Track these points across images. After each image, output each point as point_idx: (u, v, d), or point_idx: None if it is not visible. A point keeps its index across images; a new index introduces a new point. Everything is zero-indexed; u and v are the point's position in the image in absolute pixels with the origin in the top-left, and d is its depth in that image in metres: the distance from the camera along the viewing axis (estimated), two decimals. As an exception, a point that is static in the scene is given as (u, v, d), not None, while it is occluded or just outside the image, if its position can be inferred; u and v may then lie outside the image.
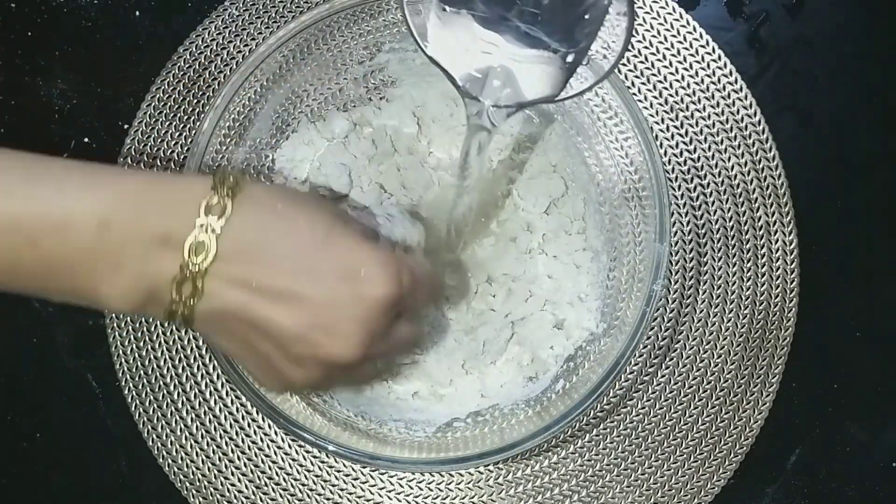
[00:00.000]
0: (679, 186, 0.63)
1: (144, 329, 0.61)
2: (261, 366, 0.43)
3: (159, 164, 0.62)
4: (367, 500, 0.60)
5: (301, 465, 0.60)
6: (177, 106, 0.63)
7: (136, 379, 0.61)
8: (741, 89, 0.63)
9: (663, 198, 0.51)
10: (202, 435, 0.61)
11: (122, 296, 0.38)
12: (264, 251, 0.39)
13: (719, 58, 0.64)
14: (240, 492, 0.60)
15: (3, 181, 0.37)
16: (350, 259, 0.40)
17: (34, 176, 0.37)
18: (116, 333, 0.61)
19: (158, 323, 0.61)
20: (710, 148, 0.63)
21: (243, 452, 0.61)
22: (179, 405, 0.61)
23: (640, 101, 0.63)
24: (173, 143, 0.63)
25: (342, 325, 0.40)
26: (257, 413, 0.61)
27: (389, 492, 0.60)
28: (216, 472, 0.60)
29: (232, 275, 0.39)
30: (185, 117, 0.63)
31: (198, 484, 0.60)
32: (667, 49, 0.64)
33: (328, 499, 0.60)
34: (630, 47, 0.64)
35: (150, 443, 0.61)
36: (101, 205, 0.37)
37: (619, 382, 0.60)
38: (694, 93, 0.64)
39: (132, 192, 0.38)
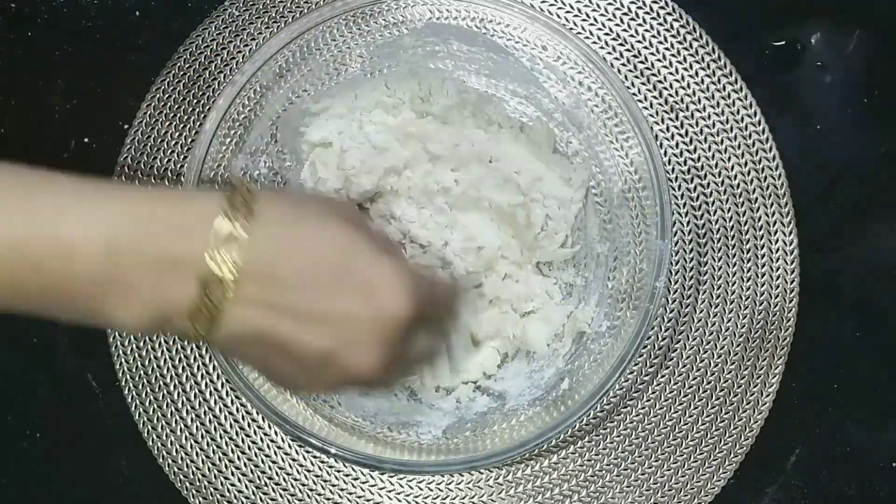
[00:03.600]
0: (679, 186, 0.63)
1: (144, 329, 0.61)
2: (280, 378, 0.43)
3: (160, 163, 0.62)
4: (368, 500, 0.60)
5: (301, 466, 0.60)
6: (177, 106, 0.63)
7: (136, 379, 0.61)
8: (741, 89, 0.63)
9: (664, 194, 0.51)
10: (202, 435, 0.61)
11: (134, 319, 0.37)
12: (283, 271, 0.38)
13: (719, 58, 0.64)
14: (240, 492, 0.60)
15: (2, 202, 0.35)
16: (369, 275, 0.40)
17: (33, 195, 0.36)
18: (116, 333, 0.61)
19: (158, 323, 0.62)
20: (710, 148, 0.63)
21: (243, 452, 0.61)
22: (179, 405, 0.61)
23: (640, 101, 0.63)
24: (173, 142, 0.63)
25: (362, 343, 0.40)
26: (257, 413, 0.61)
27: (390, 492, 0.60)
28: (216, 472, 0.60)
29: (251, 297, 0.38)
30: (185, 117, 0.63)
31: (198, 484, 0.60)
32: (667, 49, 0.64)
33: (328, 499, 0.60)
34: (630, 47, 0.64)
35: (150, 443, 0.61)
36: (107, 227, 0.36)
37: (619, 382, 0.60)
38: (694, 93, 0.64)
39: (140, 214, 0.37)
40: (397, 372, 0.44)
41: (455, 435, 0.56)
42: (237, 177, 0.41)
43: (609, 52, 0.63)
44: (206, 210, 0.37)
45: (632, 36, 0.64)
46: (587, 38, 0.63)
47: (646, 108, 0.63)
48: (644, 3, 0.64)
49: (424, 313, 0.42)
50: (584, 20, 0.64)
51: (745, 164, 0.63)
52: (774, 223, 0.62)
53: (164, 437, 0.61)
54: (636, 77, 0.64)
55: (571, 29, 0.64)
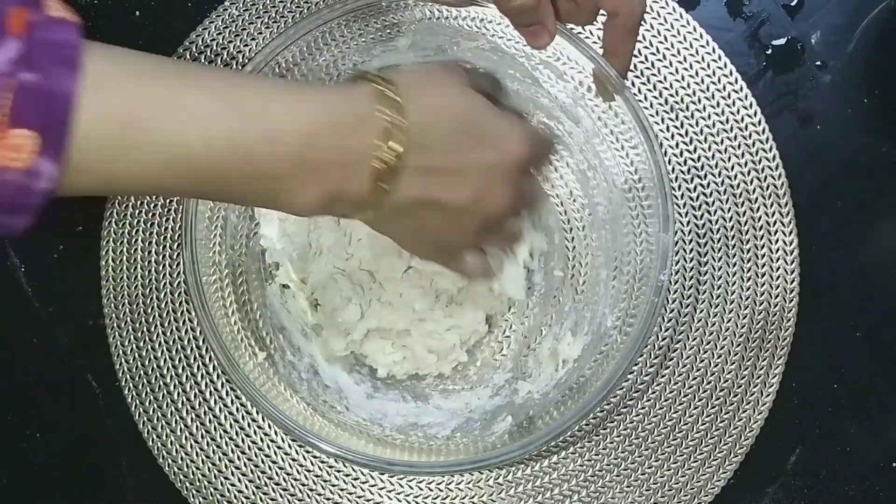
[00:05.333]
0: (679, 186, 0.63)
1: (144, 329, 0.61)
2: (430, 236, 0.49)
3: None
4: (367, 500, 0.60)
5: (301, 465, 0.60)
6: (177, 106, 0.63)
7: (136, 379, 0.61)
8: (741, 89, 0.63)
9: (665, 186, 0.51)
10: (202, 435, 0.61)
11: (312, 200, 0.43)
12: (431, 141, 0.44)
13: (719, 58, 0.64)
14: (240, 492, 0.60)
15: (217, 95, 0.40)
16: (494, 129, 0.47)
17: (239, 93, 0.41)
18: (116, 333, 0.61)
19: (158, 323, 0.61)
20: (710, 148, 0.63)
21: (243, 452, 0.61)
22: (179, 405, 0.61)
23: (640, 100, 0.63)
24: (173, 143, 0.63)
25: (496, 185, 0.47)
26: (257, 413, 0.61)
27: (389, 492, 0.60)
28: (216, 472, 0.60)
29: (411, 169, 0.43)
30: (185, 117, 0.63)
31: (198, 484, 0.60)
32: (667, 49, 0.64)
33: (328, 499, 0.60)
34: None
35: (150, 443, 0.61)
36: (305, 122, 0.41)
37: (620, 382, 0.60)
38: (694, 93, 0.64)
39: (326, 111, 0.42)
40: (520, 212, 0.52)
41: (464, 435, 0.56)
42: (372, 72, 0.47)
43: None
44: (366, 104, 0.43)
45: (636, 39, 0.64)
46: (587, 37, 0.63)
47: (646, 108, 0.63)
48: (646, 6, 0.64)
49: (536, 155, 0.50)
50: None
51: (745, 164, 0.63)
52: (774, 223, 0.62)
53: (164, 437, 0.61)
54: (636, 77, 0.64)
55: (572, 28, 0.64)
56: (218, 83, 0.40)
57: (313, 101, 0.42)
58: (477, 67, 0.57)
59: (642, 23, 0.59)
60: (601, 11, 0.49)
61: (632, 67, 0.63)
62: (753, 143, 0.63)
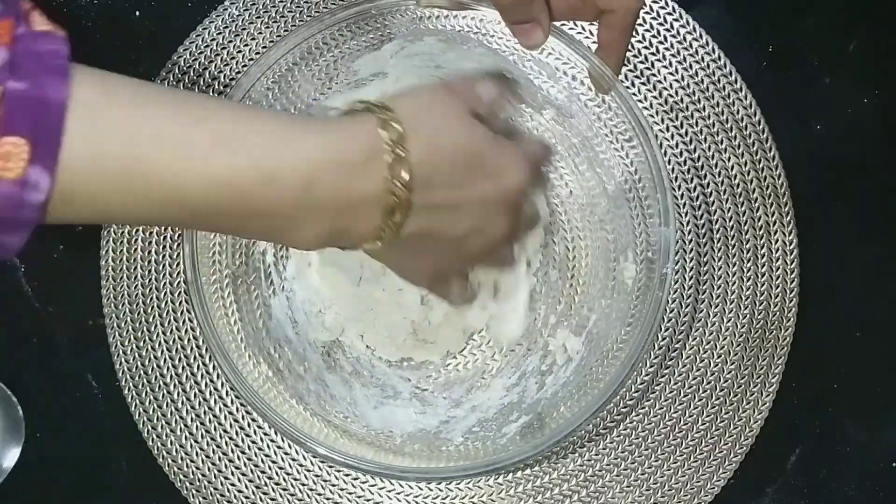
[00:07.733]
0: (679, 186, 0.63)
1: (144, 329, 0.61)
2: (424, 268, 0.50)
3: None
4: (367, 500, 0.60)
5: (301, 465, 0.60)
6: (177, 106, 0.63)
7: (136, 379, 0.61)
8: (741, 89, 0.64)
9: (663, 181, 0.51)
10: (202, 435, 0.61)
11: (313, 239, 0.43)
12: (434, 176, 0.44)
13: (719, 58, 0.64)
14: (240, 492, 0.60)
15: (215, 130, 0.39)
16: (494, 161, 0.47)
17: (245, 130, 0.40)
18: (116, 333, 0.61)
19: (158, 323, 0.61)
20: (710, 148, 0.63)
21: (243, 452, 0.61)
22: (179, 405, 0.61)
23: (640, 101, 0.63)
24: (173, 143, 0.63)
25: (497, 215, 0.48)
26: (257, 413, 0.61)
27: (389, 492, 0.60)
28: (216, 472, 0.60)
29: (416, 206, 0.43)
30: (185, 117, 0.63)
31: (198, 484, 0.60)
32: (667, 49, 0.64)
33: (328, 499, 0.60)
34: (630, 47, 0.64)
35: (150, 443, 0.61)
36: (305, 164, 0.40)
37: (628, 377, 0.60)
38: (694, 93, 0.64)
39: (327, 152, 0.41)
40: (520, 233, 0.54)
41: (476, 439, 0.56)
42: (374, 103, 0.46)
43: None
44: (373, 142, 0.43)
45: (632, 35, 0.64)
46: (587, 38, 0.63)
47: (646, 108, 0.63)
48: (644, 3, 0.64)
49: (534, 180, 0.50)
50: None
51: (745, 164, 0.63)
52: (774, 223, 0.62)
53: (164, 437, 0.61)
54: (636, 77, 0.64)
55: (571, 28, 0.64)
56: (214, 117, 0.39)
57: (315, 138, 0.41)
58: (482, 74, 0.55)
59: (639, 21, 0.59)
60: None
61: (632, 67, 0.63)
62: (753, 143, 0.63)
